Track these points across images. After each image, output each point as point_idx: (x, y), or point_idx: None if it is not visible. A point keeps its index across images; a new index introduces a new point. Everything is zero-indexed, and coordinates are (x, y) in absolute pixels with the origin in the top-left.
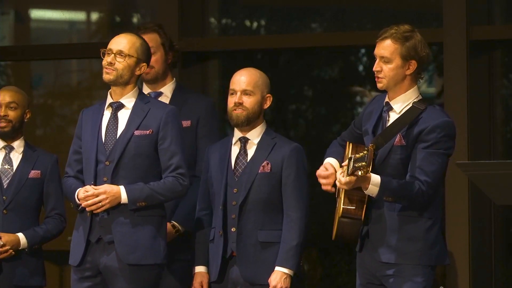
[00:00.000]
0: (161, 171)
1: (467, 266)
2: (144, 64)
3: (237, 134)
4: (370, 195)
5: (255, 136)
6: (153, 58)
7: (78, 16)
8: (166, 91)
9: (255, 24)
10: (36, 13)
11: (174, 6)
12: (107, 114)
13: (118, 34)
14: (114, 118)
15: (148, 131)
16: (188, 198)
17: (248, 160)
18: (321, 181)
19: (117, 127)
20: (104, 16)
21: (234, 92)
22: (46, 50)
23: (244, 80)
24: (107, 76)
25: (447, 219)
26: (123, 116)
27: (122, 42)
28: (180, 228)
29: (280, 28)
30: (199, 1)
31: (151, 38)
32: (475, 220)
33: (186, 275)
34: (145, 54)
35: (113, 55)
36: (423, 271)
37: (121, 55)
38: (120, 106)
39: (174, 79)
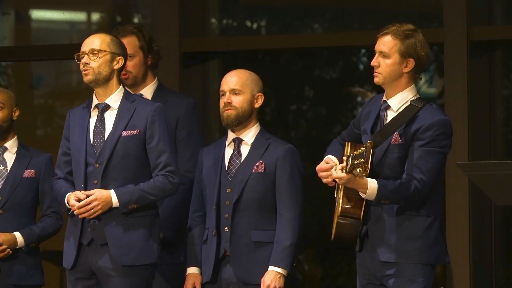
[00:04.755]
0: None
1: (467, 266)
2: (121, 57)
3: (231, 135)
4: (368, 199)
5: (249, 136)
6: (131, 63)
7: (79, 16)
8: (146, 93)
9: (255, 25)
10: (37, 14)
11: (175, 6)
12: (93, 115)
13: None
14: (101, 120)
15: (135, 131)
16: (167, 204)
17: (242, 160)
18: (321, 174)
19: (105, 128)
20: (104, 16)
21: (224, 93)
22: (46, 50)
23: (232, 80)
24: (86, 77)
25: (447, 219)
26: (110, 117)
27: (92, 41)
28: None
29: (281, 28)
30: (199, 1)
31: (129, 42)
32: (475, 220)
33: (171, 278)
34: (119, 48)
35: (86, 55)
36: (423, 270)
37: (94, 53)
38: (106, 107)
39: (156, 79)
